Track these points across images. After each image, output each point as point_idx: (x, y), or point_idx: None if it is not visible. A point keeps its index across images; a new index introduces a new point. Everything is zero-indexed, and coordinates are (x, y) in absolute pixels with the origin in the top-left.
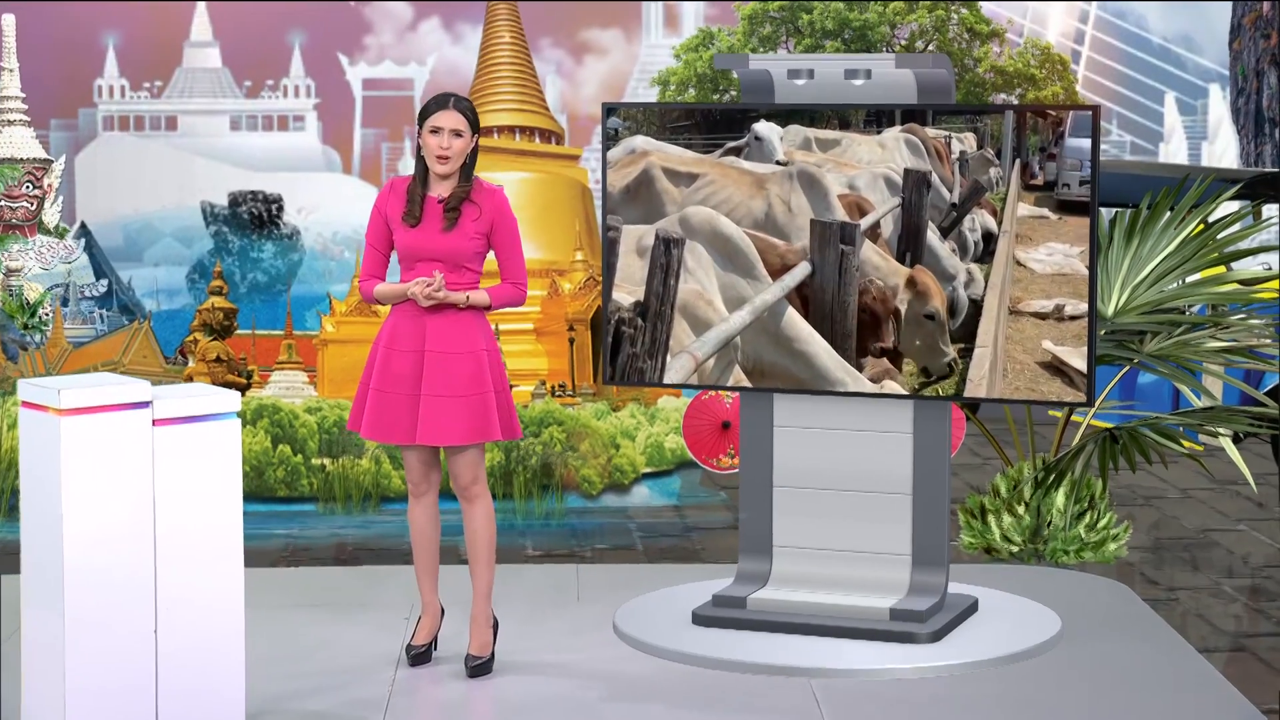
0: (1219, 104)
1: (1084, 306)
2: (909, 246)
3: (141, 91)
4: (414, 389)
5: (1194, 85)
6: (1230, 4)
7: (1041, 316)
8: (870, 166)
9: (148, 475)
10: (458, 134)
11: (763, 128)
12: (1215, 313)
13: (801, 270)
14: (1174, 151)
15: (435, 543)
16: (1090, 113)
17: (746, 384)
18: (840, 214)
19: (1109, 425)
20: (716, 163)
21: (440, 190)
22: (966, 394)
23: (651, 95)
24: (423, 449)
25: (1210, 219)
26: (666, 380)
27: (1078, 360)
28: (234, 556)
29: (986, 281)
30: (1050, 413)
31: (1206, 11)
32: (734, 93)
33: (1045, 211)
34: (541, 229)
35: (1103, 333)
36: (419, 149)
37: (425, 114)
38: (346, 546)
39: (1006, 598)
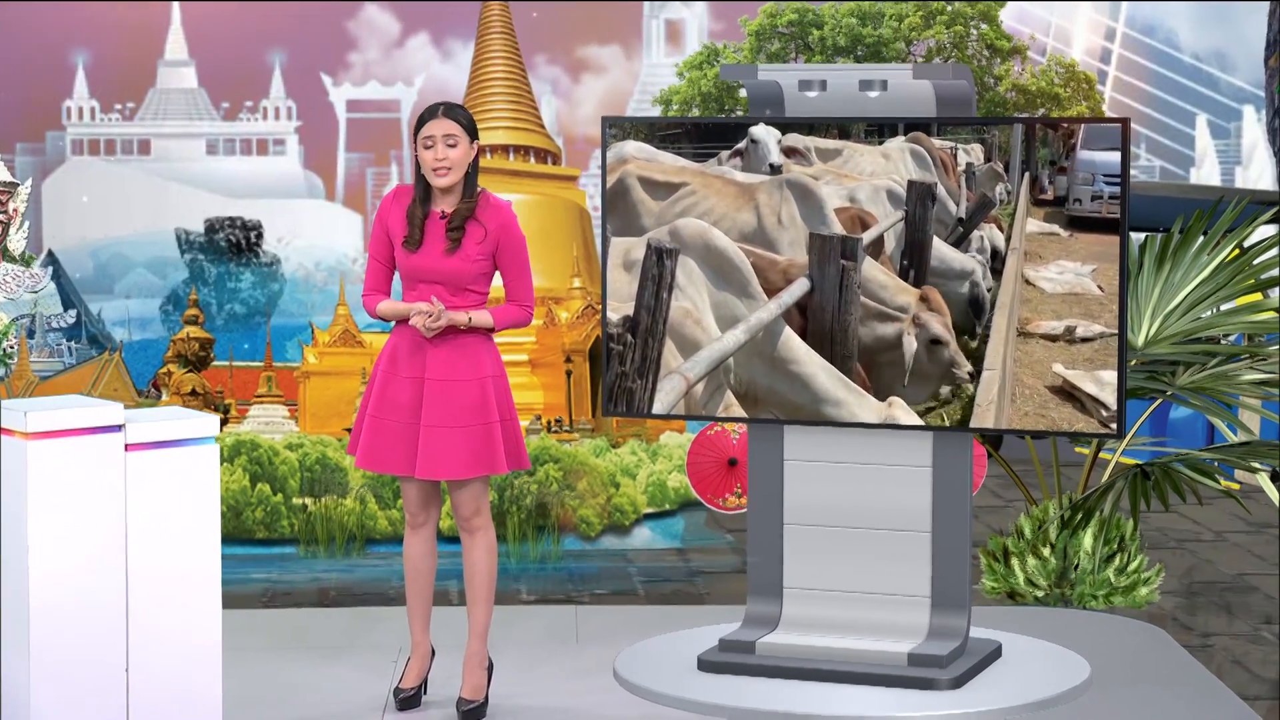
0: (1253, 126)
1: (1096, 328)
2: (913, 263)
3: (113, 113)
4: (413, 418)
5: (1227, 107)
6: (1265, 18)
7: (1052, 340)
8: (872, 178)
9: (120, 503)
10: (452, 143)
11: (759, 130)
12: (1252, 343)
13: (800, 287)
14: (1206, 176)
15: (430, 578)
16: (1119, 125)
17: (738, 409)
18: (837, 227)
19: (1139, 463)
20: (700, 172)
21: (444, 205)
22: (974, 423)
23: (652, 115)
24: (422, 481)
25: (1246, 244)
26: (655, 407)
27: (1093, 388)
28: (211, 591)
29: (994, 300)
30: (1077, 449)
31: (1240, 27)
32: (740, 112)
33: (1055, 228)
34: (537, 254)
35: (1133, 363)
36: (417, 166)
37: (418, 128)
38: (329, 591)
39: (1032, 642)
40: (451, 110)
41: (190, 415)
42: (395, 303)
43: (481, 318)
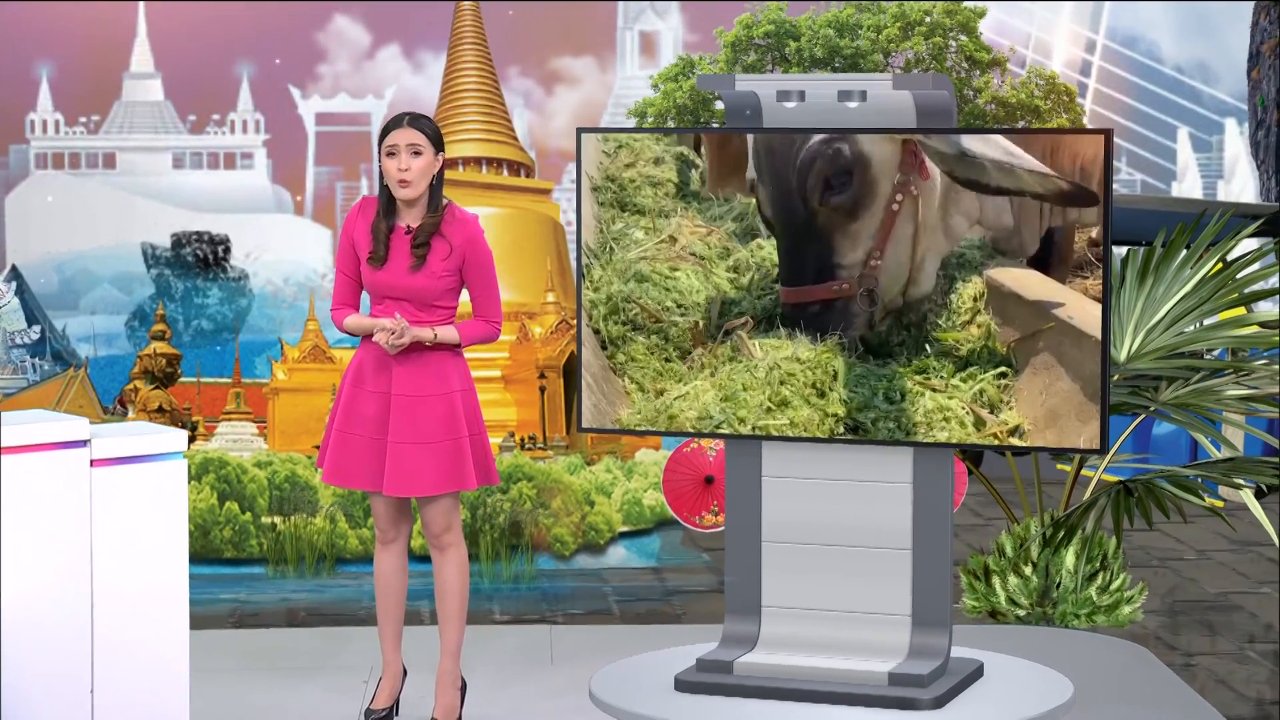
0: (1235, 139)
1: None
2: None
3: (77, 126)
4: (379, 433)
5: (1209, 120)
6: (1248, 29)
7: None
8: None
9: (85, 520)
10: (416, 152)
11: None
12: (1236, 357)
13: None
14: (1187, 190)
15: (401, 595)
16: (1102, 136)
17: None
18: None
19: (1121, 480)
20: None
21: (409, 218)
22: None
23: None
24: (391, 497)
25: (1229, 257)
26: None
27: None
28: (178, 610)
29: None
30: (1059, 466)
31: (1223, 38)
32: (717, 125)
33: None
34: (510, 268)
35: (1115, 379)
36: (381, 178)
37: (382, 137)
38: (298, 612)
39: (1014, 662)
40: (417, 120)
41: (157, 430)
42: (361, 317)
43: (447, 334)
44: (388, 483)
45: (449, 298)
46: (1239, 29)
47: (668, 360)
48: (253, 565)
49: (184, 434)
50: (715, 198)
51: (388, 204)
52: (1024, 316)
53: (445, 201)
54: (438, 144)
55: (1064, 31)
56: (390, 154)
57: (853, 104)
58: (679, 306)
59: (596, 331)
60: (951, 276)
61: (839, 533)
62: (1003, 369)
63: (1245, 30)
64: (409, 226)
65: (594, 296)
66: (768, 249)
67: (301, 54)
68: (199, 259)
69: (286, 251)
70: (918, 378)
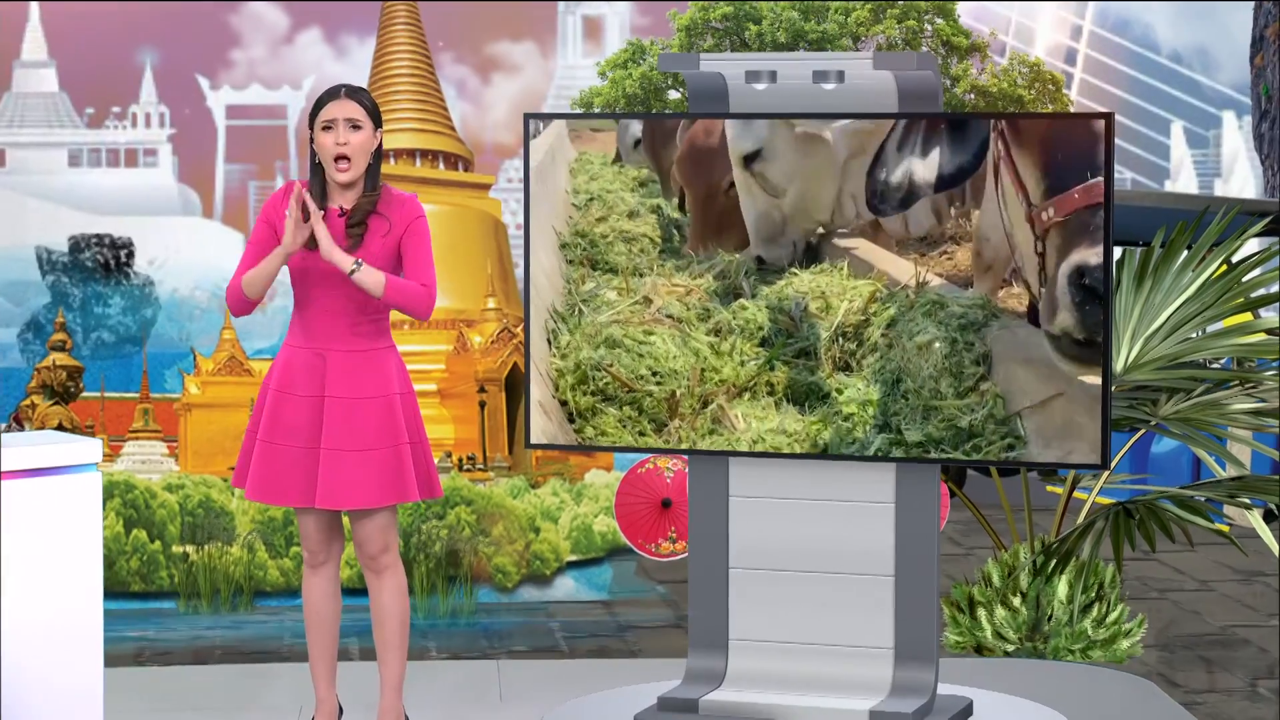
0: (1234, 134)
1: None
2: None
3: None
4: (310, 441)
5: (1205, 113)
6: (1250, 11)
7: None
8: None
9: None
10: (355, 126)
11: None
12: (1242, 367)
13: None
14: (1182, 189)
15: (335, 624)
16: (1102, 121)
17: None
18: None
19: (1118, 502)
20: None
21: (343, 200)
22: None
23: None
24: (322, 512)
25: (1234, 259)
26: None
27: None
28: (93, 639)
29: None
30: (1049, 489)
31: (1225, 20)
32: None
33: None
34: (447, 271)
35: (1112, 390)
36: (312, 155)
37: (316, 110)
38: (213, 650)
39: (1006, 699)
40: (355, 92)
41: (68, 440)
42: (258, 266)
43: (372, 274)
44: (321, 494)
45: None
46: (1242, 11)
47: (641, 434)
48: (162, 599)
49: (98, 444)
50: (695, 254)
51: (320, 186)
52: (1032, 383)
53: (382, 184)
54: (377, 119)
55: (1048, 17)
56: (326, 128)
57: (829, 85)
58: (654, 374)
59: (564, 403)
60: (953, 339)
61: (814, 558)
62: (1009, 441)
63: (1248, 13)
64: (343, 209)
65: (561, 364)
66: (751, 309)
67: (211, 39)
68: (99, 264)
69: (195, 256)
70: (915, 451)
